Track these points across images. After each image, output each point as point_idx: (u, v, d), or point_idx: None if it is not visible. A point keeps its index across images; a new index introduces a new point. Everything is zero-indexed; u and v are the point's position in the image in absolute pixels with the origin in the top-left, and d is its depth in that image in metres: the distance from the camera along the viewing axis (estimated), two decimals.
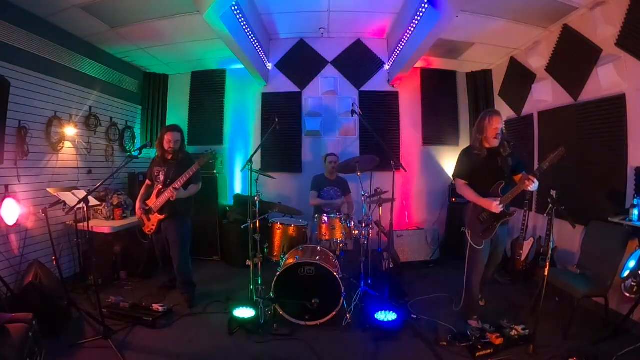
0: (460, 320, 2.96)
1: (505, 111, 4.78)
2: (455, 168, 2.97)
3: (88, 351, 2.51)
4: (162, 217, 3.23)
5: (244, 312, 2.88)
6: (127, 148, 4.80)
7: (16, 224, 3.11)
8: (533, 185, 2.50)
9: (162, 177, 3.25)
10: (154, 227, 3.30)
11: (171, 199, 3.08)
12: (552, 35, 3.79)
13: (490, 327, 2.65)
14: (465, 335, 2.60)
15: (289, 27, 4.71)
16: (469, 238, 2.83)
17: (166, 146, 3.21)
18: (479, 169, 2.75)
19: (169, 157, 3.24)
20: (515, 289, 3.68)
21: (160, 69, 5.24)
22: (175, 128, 3.29)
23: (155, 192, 3.26)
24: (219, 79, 5.32)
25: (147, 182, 3.45)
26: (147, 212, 3.30)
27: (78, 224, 2.88)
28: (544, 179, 3.77)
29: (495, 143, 2.69)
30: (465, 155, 2.86)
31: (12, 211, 3.04)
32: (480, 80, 5.15)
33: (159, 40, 4.26)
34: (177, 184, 3.08)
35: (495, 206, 2.61)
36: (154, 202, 3.24)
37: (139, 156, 3.10)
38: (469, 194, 2.79)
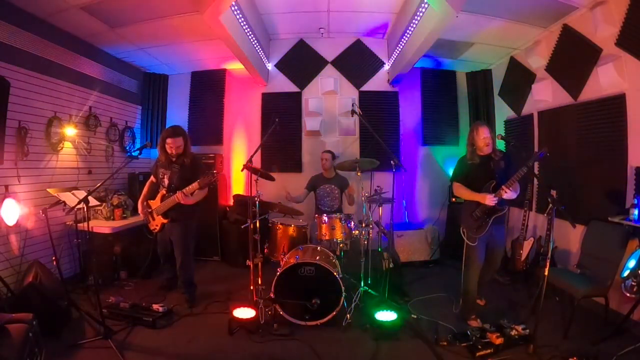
0: (460, 320, 2.96)
1: (505, 111, 4.79)
2: (453, 173, 3.15)
3: (88, 351, 2.51)
4: (165, 221, 3.21)
5: (244, 312, 2.88)
6: (127, 148, 4.80)
7: (16, 224, 3.11)
8: (507, 195, 2.70)
9: (166, 181, 3.21)
10: (157, 227, 3.30)
11: (181, 202, 3.04)
12: (552, 35, 3.78)
13: (491, 327, 2.65)
14: (465, 335, 2.60)
15: (289, 27, 4.70)
16: (464, 237, 2.94)
17: (169, 151, 3.13)
18: (474, 173, 2.92)
19: (173, 159, 3.18)
20: (515, 289, 3.68)
21: (160, 69, 5.24)
22: (176, 133, 3.11)
23: (159, 195, 3.24)
24: (219, 79, 5.30)
25: (152, 178, 3.39)
26: (149, 213, 3.29)
27: (78, 224, 2.88)
28: (544, 179, 3.79)
29: (487, 150, 2.88)
30: (462, 162, 3.05)
31: (12, 211, 3.04)
32: (480, 80, 5.14)
33: (159, 40, 4.26)
34: (187, 190, 3.01)
35: (490, 199, 2.73)
36: (157, 206, 3.23)
37: (139, 156, 3.10)
38: (464, 192, 2.94)
